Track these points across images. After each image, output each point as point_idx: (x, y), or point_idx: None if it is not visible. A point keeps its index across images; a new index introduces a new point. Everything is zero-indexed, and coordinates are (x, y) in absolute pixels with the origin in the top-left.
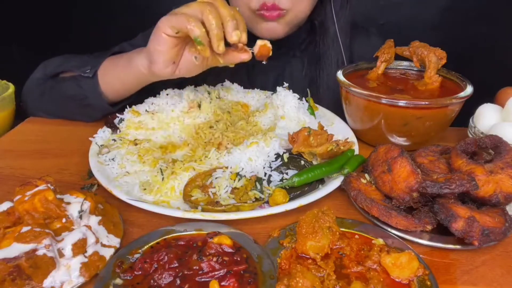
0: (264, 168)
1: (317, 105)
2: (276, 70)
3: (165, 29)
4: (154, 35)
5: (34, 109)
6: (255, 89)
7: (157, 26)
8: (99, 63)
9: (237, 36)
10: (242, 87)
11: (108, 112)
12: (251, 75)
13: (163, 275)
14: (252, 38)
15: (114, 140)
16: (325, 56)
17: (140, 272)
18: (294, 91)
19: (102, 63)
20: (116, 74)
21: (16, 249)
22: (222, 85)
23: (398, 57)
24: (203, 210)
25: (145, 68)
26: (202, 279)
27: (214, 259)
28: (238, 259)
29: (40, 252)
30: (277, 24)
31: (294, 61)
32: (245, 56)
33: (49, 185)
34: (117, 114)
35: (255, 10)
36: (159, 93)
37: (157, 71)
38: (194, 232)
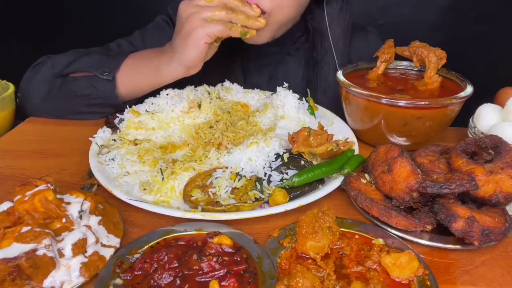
0: (264, 168)
1: (317, 105)
2: (270, 68)
3: (207, 38)
4: (193, 46)
5: (36, 108)
6: (255, 89)
7: (195, 37)
8: (115, 65)
9: (257, 8)
10: (242, 87)
11: (119, 108)
12: (246, 73)
13: (163, 275)
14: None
15: (114, 140)
16: (322, 62)
17: (140, 272)
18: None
19: (120, 67)
20: (142, 80)
21: (16, 249)
22: (222, 85)
23: (398, 57)
24: (203, 210)
25: (181, 74)
26: (202, 279)
27: (214, 259)
28: (238, 259)
29: (40, 252)
30: None
31: (288, 59)
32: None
33: (49, 185)
34: (117, 114)
35: None
36: (159, 93)
37: (195, 72)
38: (194, 232)
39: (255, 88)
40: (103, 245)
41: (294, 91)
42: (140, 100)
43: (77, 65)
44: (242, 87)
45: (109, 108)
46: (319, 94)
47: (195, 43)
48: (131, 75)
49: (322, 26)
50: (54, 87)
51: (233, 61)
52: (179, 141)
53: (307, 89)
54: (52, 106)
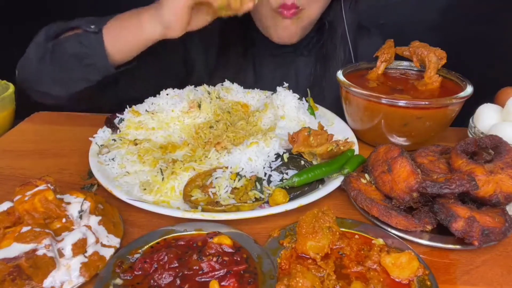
0: (264, 168)
1: (317, 105)
2: (283, 68)
3: (189, 2)
4: (172, 7)
5: (32, 78)
6: (255, 89)
7: None
8: (104, 21)
9: None
10: (244, 86)
11: (108, 73)
12: (258, 72)
13: (163, 275)
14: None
15: (114, 140)
16: (333, 57)
17: (140, 272)
18: (299, 90)
19: (108, 22)
20: (126, 36)
21: (16, 249)
22: (222, 85)
23: (398, 57)
24: (203, 210)
25: (160, 34)
26: (202, 279)
27: (214, 259)
28: (238, 259)
29: (40, 252)
30: (292, 23)
31: (301, 60)
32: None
33: (49, 185)
34: (117, 114)
35: (275, 9)
36: (159, 93)
37: (173, 35)
38: (194, 232)
39: (266, 89)
40: (103, 245)
41: (305, 91)
42: (140, 100)
43: (68, 25)
44: (243, 87)
45: (100, 71)
46: (327, 89)
47: (175, 3)
48: (116, 29)
49: (335, 22)
50: (48, 49)
51: (246, 61)
52: (179, 141)
53: (308, 89)
54: (48, 71)
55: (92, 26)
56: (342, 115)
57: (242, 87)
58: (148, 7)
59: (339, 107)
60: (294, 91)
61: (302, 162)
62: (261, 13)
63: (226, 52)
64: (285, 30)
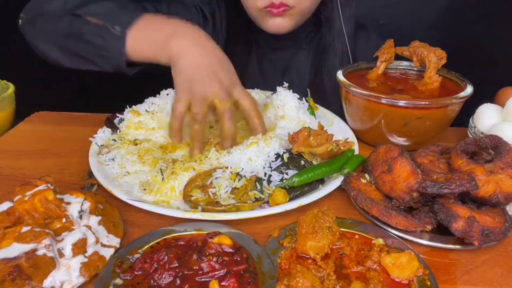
0: (264, 168)
1: (317, 105)
2: (284, 62)
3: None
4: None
5: (40, 39)
6: (255, 89)
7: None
8: (128, 21)
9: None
10: (249, 78)
11: (120, 70)
12: (261, 67)
13: (163, 275)
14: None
15: (114, 140)
16: (330, 48)
17: (140, 272)
18: (300, 83)
19: (135, 21)
20: (146, 49)
21: (16, 249)
22: None
23: (398, 57)
24: (203, 210)
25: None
26: (202, 279)
27: (214, 259)
28: (238, 259)
29: (40, 252)
30: (283, 19)
31: (300, 53)
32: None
33: (49, 185)
34: (117, 114)
35: (263, 8)
36: (159, 93)
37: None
38: (194, 232)
39: (269, 81)
40: (103, 245)
41: (305, 83)
42: (140, 100)
43: (91, 9)
44: (248, 80)
45: (112, 65)
46: (326, 80)
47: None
48: (141, 38)
49: (332, 13)
50: (64, 23)
51: (250, 55)
52: None
53: (308, 89)
54: (58, 41)
55: (116, 27)
56: (342, 115)
57: (247, 79)
58: (180, 29)
59: (340, 97)
60: (296, 84)
61: (302, 162)
62: (250, 13)
63: (232, 45)
64: (276, 26)
